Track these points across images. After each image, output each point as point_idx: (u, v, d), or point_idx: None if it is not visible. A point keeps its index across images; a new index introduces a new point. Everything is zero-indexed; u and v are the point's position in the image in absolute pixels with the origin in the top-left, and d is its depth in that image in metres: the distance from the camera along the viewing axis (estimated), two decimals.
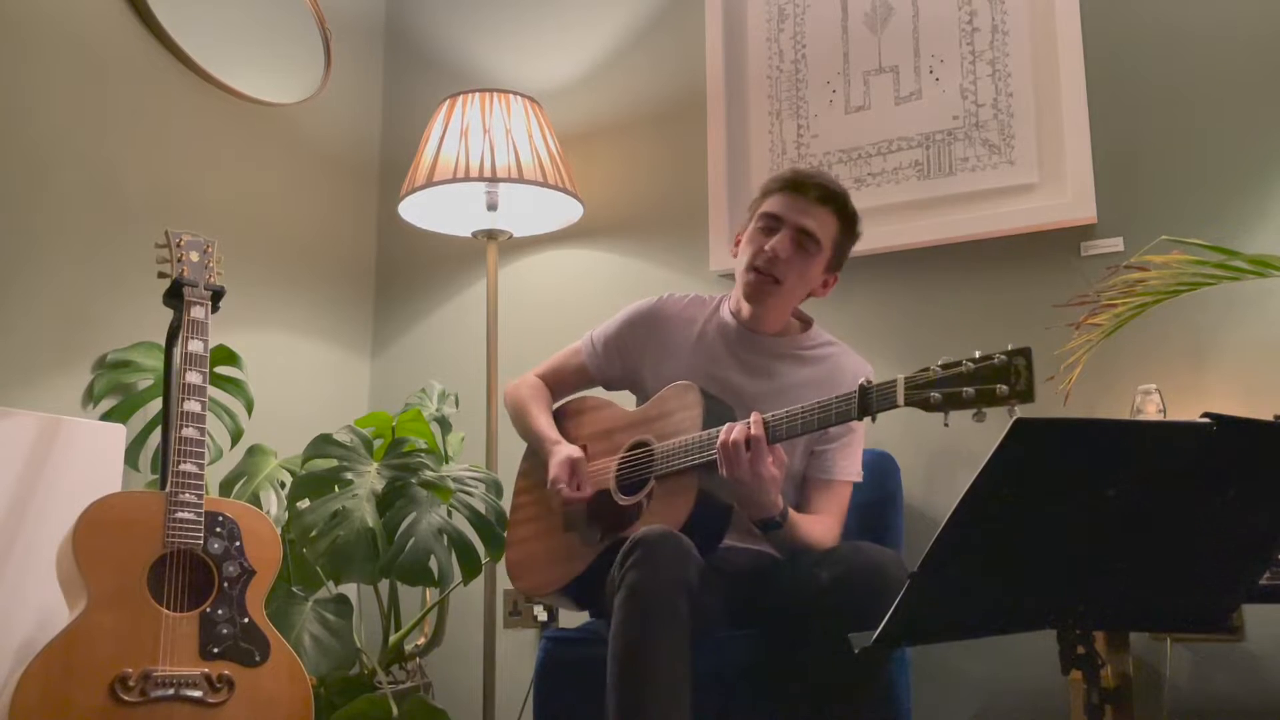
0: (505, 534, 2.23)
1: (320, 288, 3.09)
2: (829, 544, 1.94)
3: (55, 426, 2.12)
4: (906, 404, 1.63)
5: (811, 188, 2.01)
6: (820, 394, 1.98)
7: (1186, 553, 1.34)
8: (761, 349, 2.08)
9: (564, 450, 2.04)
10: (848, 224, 2.05)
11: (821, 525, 1.95)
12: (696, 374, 2.02)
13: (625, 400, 2.19)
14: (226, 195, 2.83)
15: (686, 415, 1.92)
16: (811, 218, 2.01)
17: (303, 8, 3.00)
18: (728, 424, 1.80)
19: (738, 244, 2.12)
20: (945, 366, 1.59)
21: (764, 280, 2.02)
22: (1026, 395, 1.52)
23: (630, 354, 2.16)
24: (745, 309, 2.08)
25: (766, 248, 2.00)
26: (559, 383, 2.24)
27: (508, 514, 2.24)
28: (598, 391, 2.25)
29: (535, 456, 2.18)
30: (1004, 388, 1.52)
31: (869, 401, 1.69)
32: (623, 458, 2.00)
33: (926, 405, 1.60)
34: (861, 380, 1.70)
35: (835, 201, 2.03)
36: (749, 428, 1.78)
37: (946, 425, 1.60)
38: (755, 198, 2.10)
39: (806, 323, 2.15)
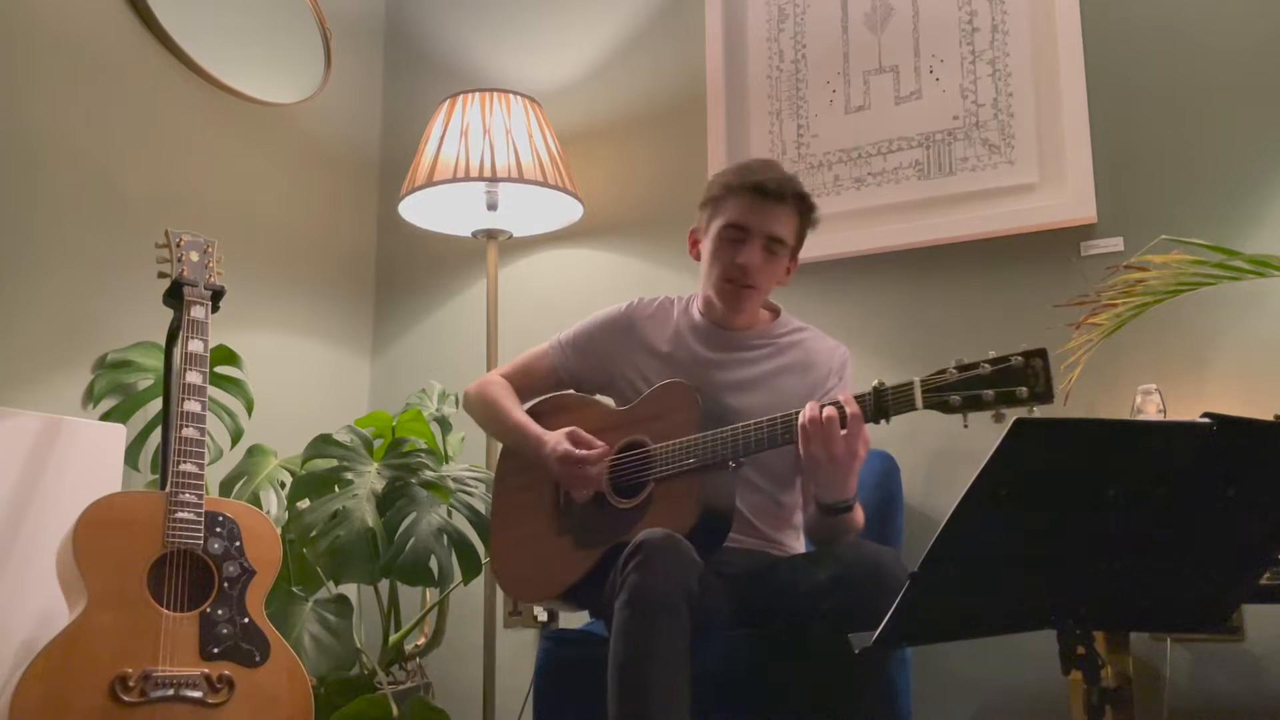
0: (489, 539, 2.19)
1: (320, 288, 3.09)
2: (862, 524, 1.93)
3: (55, 426, 2.12)
4: (925, 407, 1.62)
5: (783, 194, 1.99)
6: (798, 379, 2.01)
7: (1186, 553, 1.34)
8: (735, 343, 2.08)
9: (555, 433, 2.00)
10: (807, 215, 2.04)
11: (859, 504, 1.93)
12: (674, 373, 2.02)
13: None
14: (227, 195, 2.83)
15: (683, 415, 1.91)
16: (779, 222, 2.00)
17: (303, 8, 3.00)
18: (809, 403, 1.76)
19: (694, 243, 2.11)
20: (961, 369, 1.59)
21: (740, 290, 2.02)
22: (1046, 396, 1.53)
23: (602, 358, 2.15)
24: (718, 310, 2.07)
25: (739, 261, 1.99)
26: (528, 385, 2.20)
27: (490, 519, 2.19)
28: None
29: (515, 458, 2.13)
30: (1024, 390, 1.53)
31: (885, 404, 1.69)
32: (616, 458, 1.97)
33: (946, 408, 1.59)
34: (875, 382, 1.70)
35: (800, 201, 2.02)
36: (838, 406, 1.74)
37: (966, 426, 1.60)
38: (708, 195, 2.07)
39: (774, 311, 2.16)
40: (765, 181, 1.99)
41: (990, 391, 1.55)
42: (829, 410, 1.74)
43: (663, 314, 2.16)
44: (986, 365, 1.56)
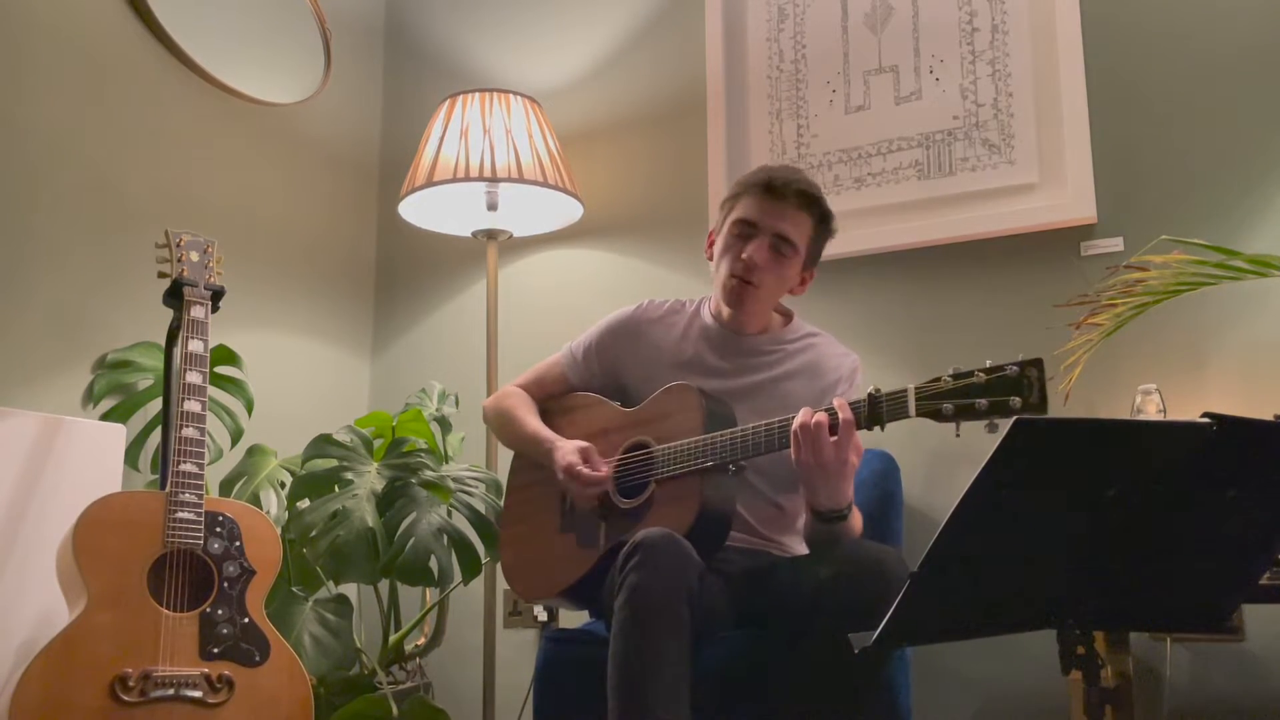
0: (499, 537, 2.21)
1: (320, 288, 3.09)
2: (860, 532, 1.93)
3: (55, 426, 2.12)
4: (918, 414, 1.62)
5: (788, 193, 1.99)
6: (806, 385, 2.00)
7: (1187, 553, 1.34)
8: (744, 348, 2.08)
9: (569, 443, 2.01)
10: (822, 223, 2.04)
11: (856, 511, 1.92)
12: (683, 376, 2.01)
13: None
14: (226, 195, 2.83)
15: (687, 417, 1.91)
16: (788, 222, 1.99)
17: (303, 8, 3.00)
18: (804, 408, 1.76)
19: (711, 243, 2.12)
20: (956, 377, 1.58)
21: (743, 287, 2.02)
22: (1040, 407, 1.51)
23: (612, 362, 2.15)
24: (726, 312, 2.07)
25: (744, 255, 1.99)
26: (542, 394, 2.22)
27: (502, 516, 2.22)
28: None
29: (526, 459, 2.16)
30: (1017, 399, 1.52)
31: (879, 411, 1.68)
32: (621, 459, 1.98)
33: (938, 416, 1.59)
34: (871, 389, 1.70)
35: (812, 205, 2.01)
36: (830, 413, 1.73)
37: (958, 435, 1.59)
38: (727, 195, 2.09)
39: (787, 316, 2.15)
40: (775, 179, 2.00)
41: (984, 400, 1.55)
42: (819, 416, 1.73)
43: (672, 316, 2.16)
44: (981, 374, 1.56)
